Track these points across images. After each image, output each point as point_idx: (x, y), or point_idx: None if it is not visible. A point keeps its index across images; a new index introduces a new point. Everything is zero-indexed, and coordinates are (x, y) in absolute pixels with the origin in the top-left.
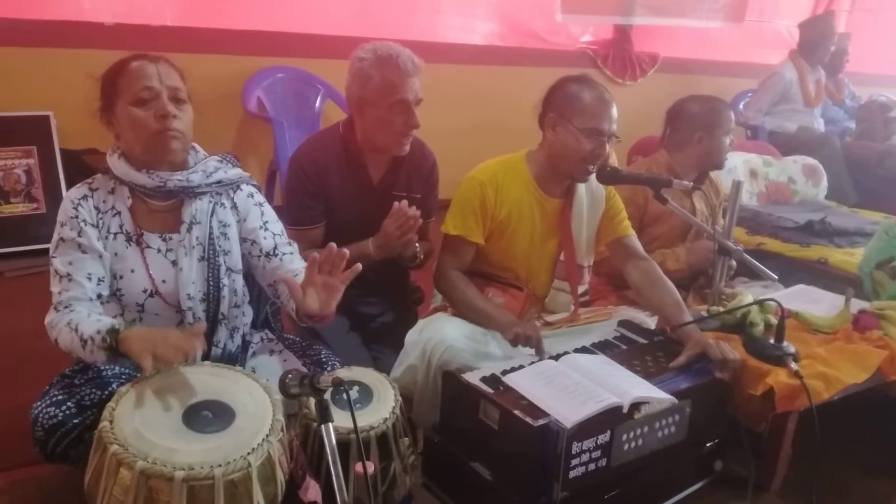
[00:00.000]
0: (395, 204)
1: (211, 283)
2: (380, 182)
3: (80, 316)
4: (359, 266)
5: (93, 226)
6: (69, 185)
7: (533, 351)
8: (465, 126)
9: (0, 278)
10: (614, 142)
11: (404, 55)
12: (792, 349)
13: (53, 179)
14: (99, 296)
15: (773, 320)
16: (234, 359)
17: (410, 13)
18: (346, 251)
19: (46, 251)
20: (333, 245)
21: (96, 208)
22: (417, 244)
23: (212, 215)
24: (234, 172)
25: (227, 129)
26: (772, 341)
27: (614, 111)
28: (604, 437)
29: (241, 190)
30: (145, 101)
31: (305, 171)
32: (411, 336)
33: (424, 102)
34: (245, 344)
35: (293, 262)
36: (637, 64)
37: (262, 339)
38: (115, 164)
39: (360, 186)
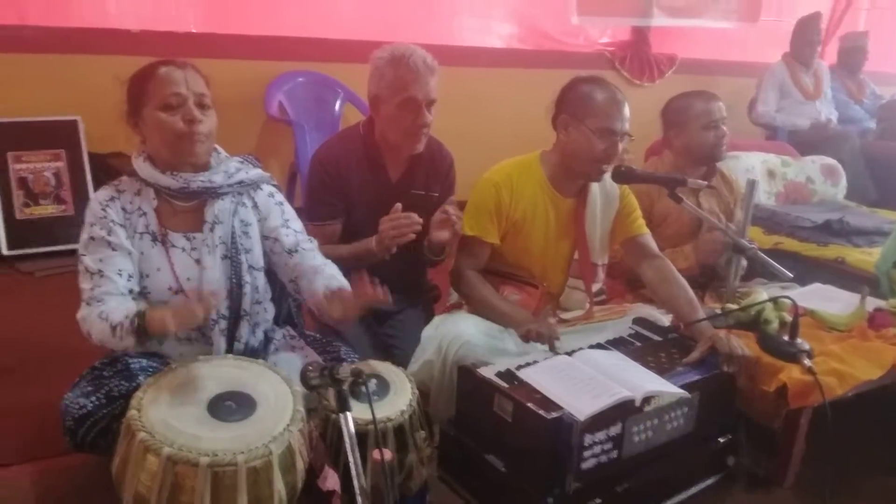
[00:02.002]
0: (397, 205)
1: (233, 280)
2: (398, 181)
3: (110, 307)
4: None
5: (121, 226)
6: (96, 188)
7: (547, 347)
8: (482, 129)
9: (30, 278)
10: (627, 140)
11: (417, 54)
12: (806, 346)
13: (81, 182)
14: (130, 291)
15: (788, 318)
16: (255, 354)
17: (427, 16)
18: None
19: (75, 251)
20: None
21: (123, 209)
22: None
23: (234, 215)
24: (255, 173)
25: (249, 132)
26: (786, 338)
27: (626, 111)
28: (615, 429)
29: (262, 190)
30: (173, 107)
31: (326, 168)
32: (428, 332)
33: (442, 105)
34: (267, 340)
35: (314, 259)
36: (655, 65)
37: (283, 336)
38: (141, 166)
39: (379, 185)
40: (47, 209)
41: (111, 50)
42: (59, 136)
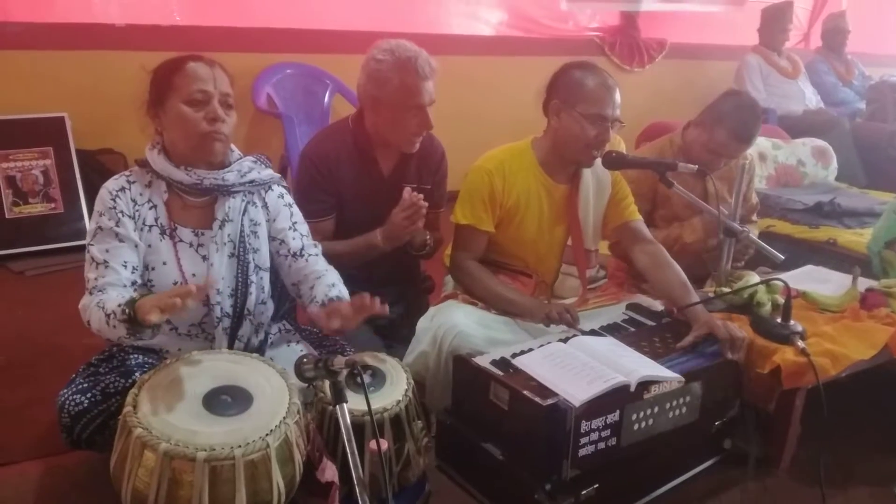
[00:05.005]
0: (405, 192)
1: (240, 279)
2: (390, 174)
3: (109, 297)
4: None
5: (129, 217)
6: (86, 185)
7: (554, 328)
8: (473, 117)
9: (21, 277)
10: (618, 127)
11: (422, 59)
12: (799, 328)
13: (70, 179)
14: (133, 283)
15: (780, 300)
16: (255, 352)
17: (416, 5)
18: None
19: (65, 250)
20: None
21: (133, 200)
22: (428, 234)
23: (243, 214)
24: (267, 173)
25: (237, 126)
26: (779, 321)
27: (618, 97)
28: (613, 417)
29: (273, 190)
30: (198, 103)
31: (316, 164)
32: (423, 323)
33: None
34: (265, 335)
35: (317, 264)
36: (644, 50)
37: (279, 330)
38: (155, 159)
39: (371, 179)
40: (36, 208)
41: (96, 45)
42: (46, 133)
